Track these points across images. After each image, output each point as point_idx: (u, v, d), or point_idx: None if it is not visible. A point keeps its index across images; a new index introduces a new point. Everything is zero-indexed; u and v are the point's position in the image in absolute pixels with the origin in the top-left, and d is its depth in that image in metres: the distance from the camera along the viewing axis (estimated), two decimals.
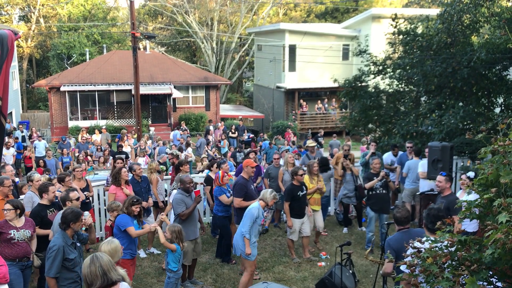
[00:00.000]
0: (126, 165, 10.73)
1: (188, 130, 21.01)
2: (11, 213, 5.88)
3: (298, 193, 8.03)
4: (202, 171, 12.48)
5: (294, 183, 8.11)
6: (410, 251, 3.45)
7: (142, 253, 8.48)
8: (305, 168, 8.84)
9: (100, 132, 20.05)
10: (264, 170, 10.36)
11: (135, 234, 6.14)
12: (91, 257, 3.81)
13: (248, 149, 11.99)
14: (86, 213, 5.85)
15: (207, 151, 17.92)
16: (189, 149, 16.91)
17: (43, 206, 6.50)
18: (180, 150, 15.68)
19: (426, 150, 9.39)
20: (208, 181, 9.29)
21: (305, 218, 8.22)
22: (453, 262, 3.09)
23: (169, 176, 10.82)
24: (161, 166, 10.67)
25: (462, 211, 3.24)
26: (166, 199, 9.98)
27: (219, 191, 8.06)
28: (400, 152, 10.97)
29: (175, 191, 7.89)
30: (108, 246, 4.71)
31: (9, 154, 15.41)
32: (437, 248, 3.21)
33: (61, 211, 5.55)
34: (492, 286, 3.00)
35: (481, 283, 2.88)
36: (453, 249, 3.15)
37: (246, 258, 6.63)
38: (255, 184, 9.02)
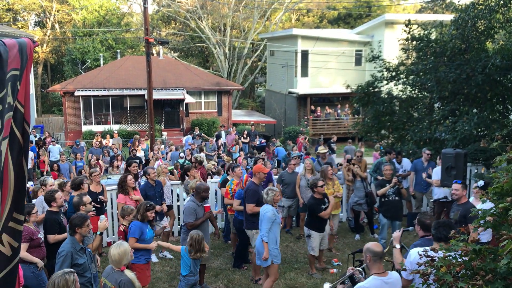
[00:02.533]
0: (139, 170, 10.82)
1: (199, 136, 21.04)
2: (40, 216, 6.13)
3: (322, 207, 7.67)
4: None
5: (315, 196, 7.74)
6: (423, 259, 3.42)
7: (154, 258, 8.51)
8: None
9: (112, 137, 20.21)
10: (276, 176, 10.36)
11: (133, 246, 5.87)
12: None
13: (256, 156, 11.98)
14: (102, 217, 5.92)
15: (218, 156, 17.95)
16: (202, 154, 16.97)
17: (54, 213, 6.49)
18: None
19: (435, 157, 9.36)
20: (224, 183, 9.27)
21: (326, 232, 8.01)
22: (468, 272, 3.06)
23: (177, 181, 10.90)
24: (170, 167, 10.77)
25: (477, 220, 3.21)
26: (178, 203, 10.04)
27: (239, 195, 8.05)
28: (404, 159, 10.92)
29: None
30: (118, 249, 4.74)
31: (28, 158, 15.60)
32: (451, 257, 3.18)
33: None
34: None
35: None
36: (467, 258, 3.12)
37: (274, 262, 6.59)
38: None
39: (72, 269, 4.31)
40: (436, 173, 9.30)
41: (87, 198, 6.46)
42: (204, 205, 7.21)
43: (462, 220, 6.13)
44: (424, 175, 9.95)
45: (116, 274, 4.69)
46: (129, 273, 4.73)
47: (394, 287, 4.18)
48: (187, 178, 9.88)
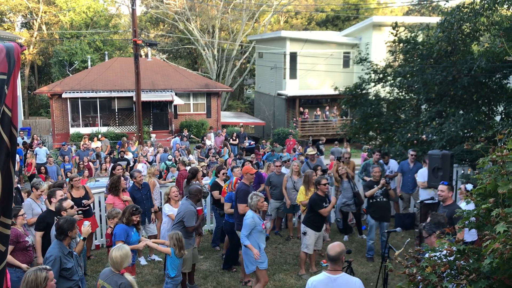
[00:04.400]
0: (126, 172, 10.78)
1: (187, 137, 20.98)
2: (29, 219, 6.08)
3: (323, 204, 7.74)
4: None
5: (318, 193, 7.82)
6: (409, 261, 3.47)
7: (142, 261, 8.49)
8: (327, 177, 8.55)
9: (99, 140, 20.08)
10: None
11: None
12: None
13: (243, 160, 12.01)
14: (86, 222, 5.89)
15: (204, 158, 17.97)
16: (191, 156, 16.95)
17: (50, 212, 6.55)
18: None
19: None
20: (215, 186, 9.27)
21: (322, 232, 8.07)
22: (452, 271, 3.12)
23: (167, 183, 10.89)
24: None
25: (461, 220, 3.27)
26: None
27: (229, 198, 8.08)
28: (391, 160, 11.01)
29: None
30: (119, 251, 4.74)
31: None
32: (436, 257, 3.23)
33: (56, 221, 5.58)
34: None
35: None
36: (452, 258, 3.17)
37: (260, 268, 6.63)
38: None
39: (47, 266, 4.33)
40: (422, 174, 9.39)
41: (67, 203, 6.37)
42: (197, 208, 7.27)
43: (449, 222, 6.21)
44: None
45: (116, 277, 4.68)
46: (128, 276, 4.71)
47: (341, 286, 4.26)
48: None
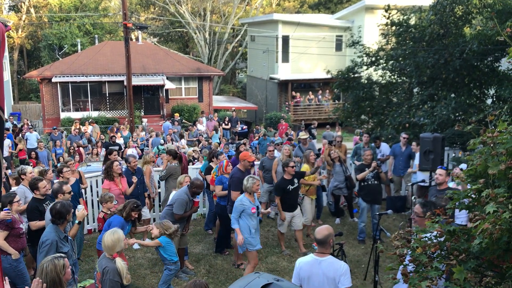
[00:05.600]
0: (119, 157, 10.74)
1: (178, 122, 20.87)
2: (22, 206, 6.04)
3: (288, 187, 7.98)
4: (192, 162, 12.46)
5: (285, 176, 8.07)
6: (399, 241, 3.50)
7: (135, 245, 8.50)
8: (295, 160, 8.84)
9: (90, 124, 19.92)
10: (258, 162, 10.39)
11: None
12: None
13: (237, 142, 11.97)
14: (80, 206, 5.87)
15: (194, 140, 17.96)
16: (183, 141, 16.89)
17: (38, 200, 6.50)
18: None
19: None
20: (208, 171, 9.27)
21: (296, 212, 8.21)
22: (442, 252, 3.15)
23: (159, 168, 10.84)
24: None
25: (452, 201, 3.29)
26: (159, 190, 10.01)
27: (219, 181, 8.09)
28: (383, 144, 11.06)
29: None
30: (112, 236, 4.74)
31: (5, 145, 15.27)
32: (426, 238, 3.26)
33: (51, 205, 5.55)
34: (480, 275, 3.05)
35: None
36: (442, 239, 3.20)
37: (249, 250, 6.68)
38: None
39: (62, 254, 4.28)
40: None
41: (67, 187, 6.41)
42: (194, 200, 7.31)
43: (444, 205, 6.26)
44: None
45: (104, 261, 4.68)
46: (119, 262, 4.68)
47: (325, 269, 4.28)
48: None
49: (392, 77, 13.95)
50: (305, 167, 8.70)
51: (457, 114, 11.33)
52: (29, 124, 20.56)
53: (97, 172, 9.85)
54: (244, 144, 10.34)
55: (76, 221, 5.74)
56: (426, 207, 4.59)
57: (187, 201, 7.11)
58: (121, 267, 4.63)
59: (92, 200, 9.46)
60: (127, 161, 8.64)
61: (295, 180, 8.09)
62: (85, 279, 7.01)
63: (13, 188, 8.00)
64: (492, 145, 3.09)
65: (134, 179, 8.25)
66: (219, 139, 18.79)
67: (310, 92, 27.80)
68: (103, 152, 14.25)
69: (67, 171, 7.81)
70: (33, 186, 6.52)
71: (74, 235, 5.76)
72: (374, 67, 14.09)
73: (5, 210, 5.82)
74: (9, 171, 12.32)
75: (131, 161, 8.54)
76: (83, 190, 8.70)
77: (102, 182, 8.44)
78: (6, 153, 14.96)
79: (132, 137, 16.97)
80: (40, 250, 5.05)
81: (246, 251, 6.75)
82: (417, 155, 9.69)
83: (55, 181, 7.51)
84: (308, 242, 8.75)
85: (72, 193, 6.63)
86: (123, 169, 8.52)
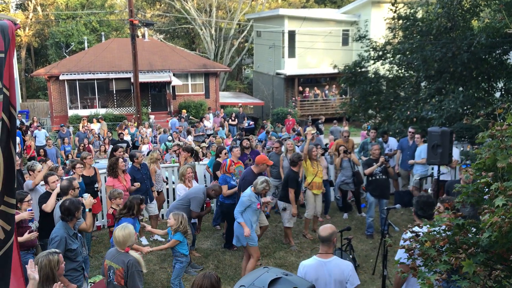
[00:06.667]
0: (126, 154, 10.78)
1: (185, 118, 20.90)
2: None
3: (298, 181, 8.12)
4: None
5: (295, 169, 8.15)
6: (408, 235, 3.50)
7: (144, 240, 8.55)
8: (327, 156, 9.02)
9: (98, 121, 20.04)
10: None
11: None
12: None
13: (243, 137, 11.92)
14: (86, 195, 5.92)
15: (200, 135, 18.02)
16: (190, 137, 16.94)
17: (49, 193, 6.62)
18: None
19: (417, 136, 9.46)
20: (216, 167, 9.31)
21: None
22: (451, 246, 3.15)
23: (167, 164, 10.88)
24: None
25: (460, 195, 3.29)
26: (167, 187, 10.05)
27: (224, 180, 8.12)
28: (390, 138, 11.04)
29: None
30: (122, 231, 4.78)
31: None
32: (435, 232, 3.26)
33: (60, 202, 5.60)
34: (489, 269, 3.05)
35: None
36: (450, 233, 3.20)
37: (250, 245, 6.69)
38: None
39: (57, 250, 4.38)
40: (423, 151, 9.38)
41: (76, 183, 6.48)
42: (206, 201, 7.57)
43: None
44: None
45: (123, 256, 4.74)
46: (134, 254, 4.78)
47: (332, 271, 4.20)
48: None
49: (400, 71, 13.88)
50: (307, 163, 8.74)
51: (465, 107, 11.27)
52: (38, 121, 20.70)
53: (104, 169, 9.90)
54: (249, 140, 10.29)
55: (87, 210, 5.79)
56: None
57: (204, 201, 7.31)
58: (139, 258, 4.73)
59: (101, 197, 9.51)
60: (134, 156, 8.65)
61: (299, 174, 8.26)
62: (94, 275, 7.08)
63: None
64: (501, 138, 3.07)
65: (137, 185, 8.26)
66: (225, 135, 18.81)
67: (316, 88, 27.73)
68: (111, 149, 14.31)
69: (80, 167, 7.89)
70: (45, 180, 6.74)
71: (91, 224, 5.86)
72: (381, 61, 14.03)
73: (28, 210, 5.93)
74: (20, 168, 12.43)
75: (138, 157, 8.56)
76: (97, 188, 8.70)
77: (105, 180, 8.49)
78: (17, 150, 15.08)
79: (140, 133, 17.02)
80: (49, 247, 5.11)
81: (247, 246, 6.77)
82: (422, 147, 9.66)
83: (64, 178, 7.57)
84: (315, 236, 8.75)
85: (79, 188, 6.71)
86: (129, 166, 8.57)
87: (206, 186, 9.07)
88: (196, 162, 10.08)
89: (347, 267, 4.22)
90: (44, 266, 4.05)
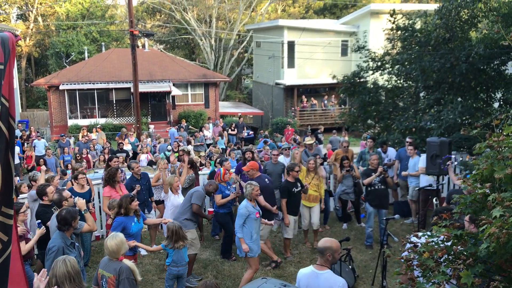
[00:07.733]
0: (124, 164, 10.76)
1: (184, 128, 20.92)
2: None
3: (293, 190, 8.05)
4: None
5: (289, 179, 8.14)
6: (407, 246, 3.49)
7: (143, 251, 8.52)
8: (326, 166, 8.94)
9: (96, 131, 20.03)
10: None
11: None
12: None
13: (245, 148, 11.89)
14: (76, 198, 5.91)
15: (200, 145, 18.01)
16: (190, 147, 16.94)
17: (45, 206, 6.55)
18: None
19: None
20: (212, 175, 9.30)
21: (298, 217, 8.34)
22: (449, 256, 3.14)
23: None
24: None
25: (458, 206, 3.29)
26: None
27: (219, 190, 8.10)
28: (389, 149, 11.04)
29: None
30: (114, 240, 4.76)
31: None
32: (433, 243, 3.25)
33: (56, 213, 5.58)
34: (487, 280, 3.04)
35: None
36: (449, 243, 3.20)
37: (249, 256, 6.67)
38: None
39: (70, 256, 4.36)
40: (423, 161, 9.39)
41: (66, 193, 6.39)
42: (208, 209, 7.66)
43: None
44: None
45: (115, 264, 4.71)
46: (128, 262, 4.76)
47: (322, 284, 4.16)
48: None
49: (398, 81, 13.94)
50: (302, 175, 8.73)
51: (464, 118, 11.29)
52: (38, 131, 20.72)
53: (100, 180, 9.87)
54: (252, 152, 10.24)
55: (83, 212, 5.76)
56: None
57: (204, 197, 7.47)
58: (132, 266, 4.70)
59: (99, 207, 9.50)
60: (130, 167, 8.62)
61: (299, 184, 8.18)
62: (91, 286, 7.02)
63: (25, 194, 8.11)
64: (498, 149, 3.09)
65: (137, 187, 8.25)
66: (225, 144, 18.82)
67: (312, 98, 27.85)
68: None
69: (82, 177, 7.87)
70: (41, 192, 6.56)
71: (93, 223, 5.84)
72: (380, 71, 14.09)
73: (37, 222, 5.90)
74: (18, 178, 12.44)
75: (134, 167, 8.52)
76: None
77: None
78: (16, 160, 15.09)
79: (141, 144, 17.04)
80: (47, 257, 5.09)
81: (246, 257, 6.74)
82: (415, 159, 9.68)
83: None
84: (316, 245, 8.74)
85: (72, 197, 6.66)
86: (127, 176, 8.54)
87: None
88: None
89: (336, 283, 4.13)
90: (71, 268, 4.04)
